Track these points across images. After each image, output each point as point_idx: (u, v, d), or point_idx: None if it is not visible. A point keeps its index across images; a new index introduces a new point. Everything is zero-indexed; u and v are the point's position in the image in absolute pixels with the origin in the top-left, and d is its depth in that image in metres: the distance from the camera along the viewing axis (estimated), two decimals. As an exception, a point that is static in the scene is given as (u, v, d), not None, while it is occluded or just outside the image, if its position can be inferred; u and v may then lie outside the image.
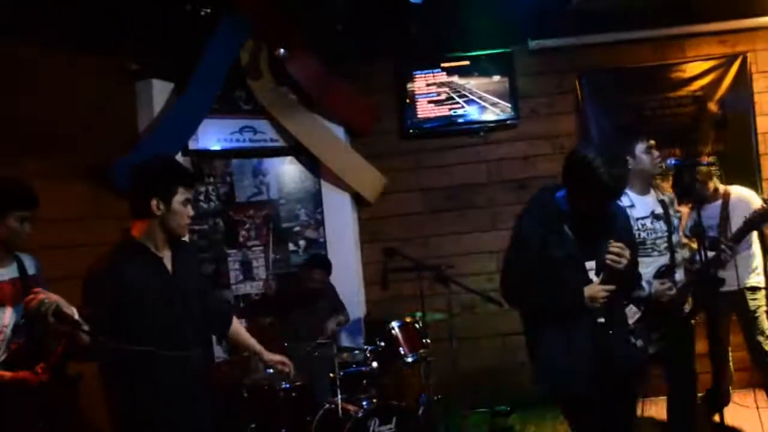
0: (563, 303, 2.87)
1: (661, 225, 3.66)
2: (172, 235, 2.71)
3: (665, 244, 3.66)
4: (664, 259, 3.66)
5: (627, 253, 2.73)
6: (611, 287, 2.80)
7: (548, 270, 2.82)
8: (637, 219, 3.62)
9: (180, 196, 2.65)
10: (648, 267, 3.63)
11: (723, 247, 3.75)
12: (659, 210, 3.68)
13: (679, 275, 3.70)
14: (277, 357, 3.02)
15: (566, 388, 2.89)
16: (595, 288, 2.82)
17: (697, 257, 3.78)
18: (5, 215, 2.90)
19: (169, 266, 2.72)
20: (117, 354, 2.47)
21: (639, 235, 3.61)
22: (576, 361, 2.82)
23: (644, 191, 3.70)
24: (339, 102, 5.24)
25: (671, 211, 3.71)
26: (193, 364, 2.75)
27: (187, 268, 2.81)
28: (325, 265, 4.89)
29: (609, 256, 2.72)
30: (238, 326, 3.09)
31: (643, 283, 3.56)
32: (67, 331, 2.33)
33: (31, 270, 3.10)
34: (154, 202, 2.60)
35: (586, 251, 2.85)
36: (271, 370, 4.37)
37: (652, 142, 3.68)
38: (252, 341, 3.04)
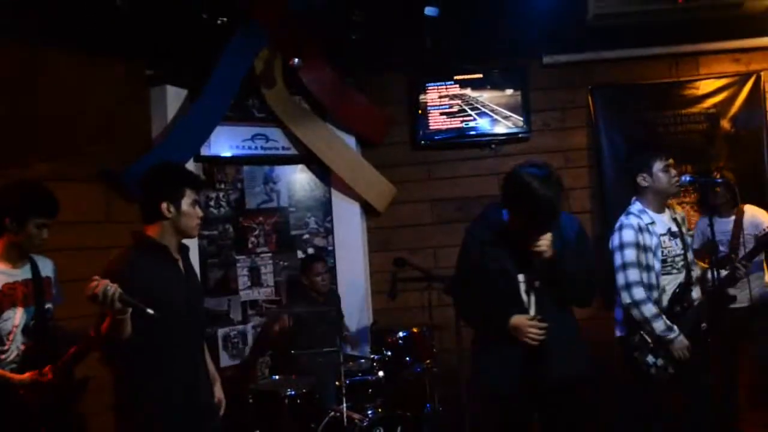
0: (490, 322, 3.03)
1: (677, 242, 3.65)
2: (184, 237, 2.77)
3: (682, 262, 3.64)
4: (682, 277, 3.65)
5: (548, 235, 2.85)
6: (543, 325, 2.89)
7: (483, 281, 2.99)
8: (660, 236, 3.61)
9: (188, 197, 2.71)
10: (669, 284, 3.62)
11: (737, 265, 3.74)
12: (675, 228, 3.68)
13: (696, 293, 3.68)
14: (218, 397, 2.99)
15: (494, 390, 3.07)
16: (524, 321, 2.92)
17: (709, 274, 3.78)
18: (25, 221, 2.94)
19: (182, 268, 2.78)
20: (134, 351, 2.53)
21: (662, 252, 3.60)
22: (507, 366, 2.98)
23: (660, 209, 3.69)
24: (352, 112, 5.26)
25: (684, 229, 3.71)
26: (201, 366, 2.82)
27: (191, 272, 2.88)
28: (321, 258, 5.00)
29: (535, 244, 2.85)
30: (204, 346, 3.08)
31: (675, 328, 3.53)
32: (119, 318, 2.39)
33: (45, 272, 3.13)
34: (164, 206, 2.66)
35: (522, 268, 2.96)
36: (277, 377, 4.41)
37: (671, 161, 3.66)
38: (209, 366, 3.04)
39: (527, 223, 2.85)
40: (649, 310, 3.51)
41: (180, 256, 2.78)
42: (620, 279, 3.59)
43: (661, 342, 3.53)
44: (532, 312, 2.96)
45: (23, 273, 3.04)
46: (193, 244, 4.62)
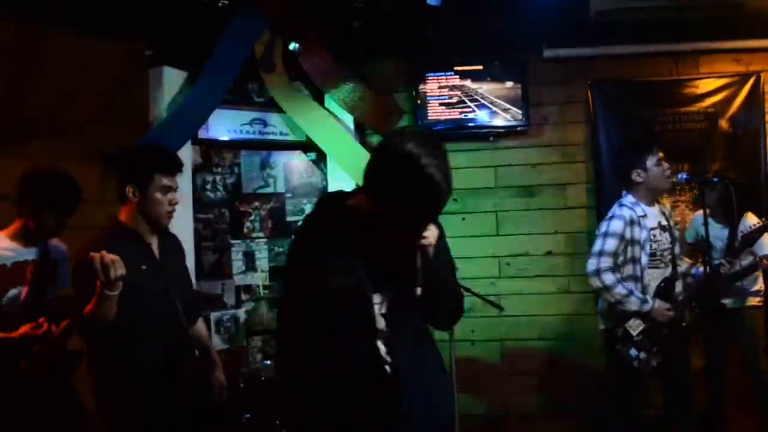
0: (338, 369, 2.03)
1: (666, 236, 3.72)
2: (152, 223, 2.72)
3: (669, 256, 3.71)
4: (668, 272, 3.71)
5: (433, 229, 2.08)
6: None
7: (326, 306, 2.02)
8: (650, 230, 3.66)
9: (157, 183, 2.66)
10: (654, 279, 3.68)
11: (722, 261, 3.77)
12: (664, 221, 3.73)
13: (679, 287, 3.74)
14: (219, 382, 3.02)
15: None
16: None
17: (699, 271, 3.81)
18: (41, 211, 2.93)
19: (156, 253, 2.76)
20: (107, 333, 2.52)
21: (651, 246, 3.66)
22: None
23: (651, 203, 3.76)
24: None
25: (671, 223, 3.77)
26: (182, 349, 2.80)
27: (171, 256, 2.85)
28: None
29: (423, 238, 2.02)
30: (201, 327, 3.10)
31: (648, 298, 3.60)
32: (111, 295, 2.40)
33: (54, 255, 3.14)
34: (129, 189, 2.65)
35: (379, 281, 2.06)
36: (269, 362, 4.42)
37: (662, 154, 3.71)
38: (208, 347, 3.06)
39: (404, 219, 1.94)
40: (620, 291, 3.62)
41: (158, 241, 2.76)
42: (592, 264, 3.70)
43: (641, 316, 3.62)
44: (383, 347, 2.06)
45: (33, 253, 3.05)
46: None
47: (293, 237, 2.19)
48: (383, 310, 2.07)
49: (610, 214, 3.77)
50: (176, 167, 2.77)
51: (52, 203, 2.94)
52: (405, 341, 2.10)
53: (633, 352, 3.65)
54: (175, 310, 2.77)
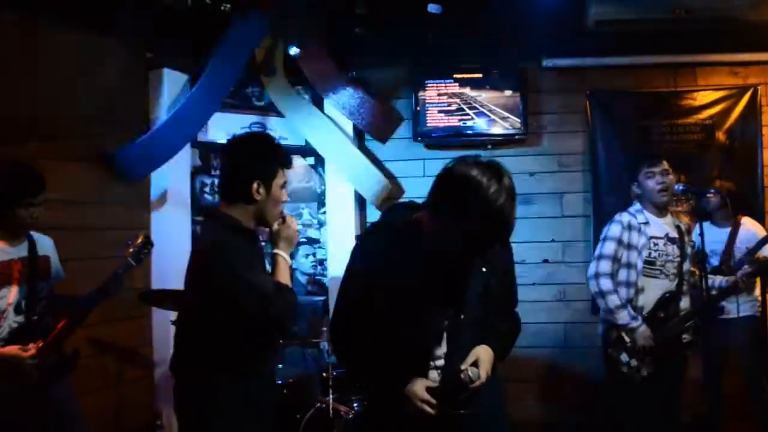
0: (378, 378, 2.14)
1: (674, 249, 3.75)
2: (262, 224, 2.43)
3: (675, 270, 3.74)
4: (671, 285, 3.72)
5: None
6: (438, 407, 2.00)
7: (385, 305, 2.07)
8: (650, 237, 3.70)
9: (279, 179, 2.37)
10: (654, 288, 3.71)
11: (738, 280, 3.89)
12: (674, 234, 3.77)
13: (684, 303, 3.76)
14: None
15: None
16: (420, 392, 2.01)
17: (723, 282, 3.88)
18: (11, 207, 2.91)
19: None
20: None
21: (650, 254, 3.70)
22: None
23: (661, 214, 3.82)
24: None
25: (686, 239, 3.79)
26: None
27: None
28: None
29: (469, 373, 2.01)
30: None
31: (639, 317, 3.63)
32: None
33: (43, 250, 3.11)
34: (254, 186, 2.34)
35: (442, 290, 2.10)
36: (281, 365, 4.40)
37: (655, 168, 3.78)
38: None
39: (473, 238, 1.96)
40: (614, 300, 3.67)
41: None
42: (591, 268, 3.81)
43: (627, 332, 3.65)
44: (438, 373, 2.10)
45: (19, 251, 3.02)
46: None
47: (359, 239, 2.26)
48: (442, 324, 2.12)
49: (611, 219, 3.89)
50: (290, 159, 2.42)
51: (14, 193, 2.90)
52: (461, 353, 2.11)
53: (624, 357, 3.68)
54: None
